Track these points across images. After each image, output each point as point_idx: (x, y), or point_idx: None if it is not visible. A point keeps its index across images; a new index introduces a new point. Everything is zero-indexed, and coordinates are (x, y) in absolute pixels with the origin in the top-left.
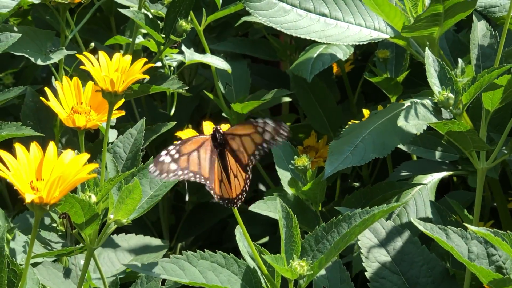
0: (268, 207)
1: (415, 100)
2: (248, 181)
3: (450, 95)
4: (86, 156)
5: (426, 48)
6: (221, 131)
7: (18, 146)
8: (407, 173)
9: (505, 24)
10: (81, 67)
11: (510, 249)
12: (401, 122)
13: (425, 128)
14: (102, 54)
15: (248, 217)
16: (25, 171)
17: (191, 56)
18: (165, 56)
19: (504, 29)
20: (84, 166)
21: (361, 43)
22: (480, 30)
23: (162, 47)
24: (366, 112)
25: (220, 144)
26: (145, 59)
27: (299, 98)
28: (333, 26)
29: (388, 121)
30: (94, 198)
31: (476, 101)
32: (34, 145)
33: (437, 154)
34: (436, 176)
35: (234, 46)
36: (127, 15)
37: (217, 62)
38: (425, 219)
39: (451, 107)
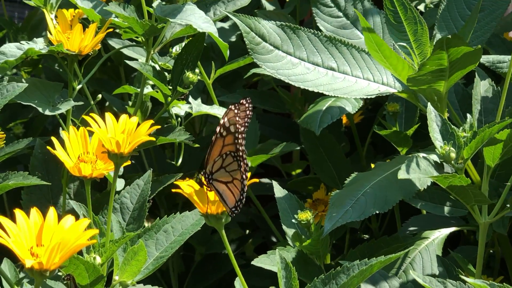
0: (271, 262)
1: (421, 155)
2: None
3: (452, 149)
4: (86, 221)
5: (429, 104)
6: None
7: (18, 212)
8: (415, 228)
9: (506, 79)
10: (88, 128)
11: None
12: (402, 175)
13: (429, 183)
14: (108, 115)
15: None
16: (25, 237)
17: (198, 107)
18: (173, 106)
19: (505, 84)
20: (84, 231)
21: (369, 97)
22: (482, 86)
23: (169, 98)
24: (374, 166)
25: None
26: (152, 121)
27: (307, 151)
28: (341, 80)
29: (392, 175)
30: (99, 260)
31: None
32: (34, 211)
33: (446, 209)
34: (444, 232)
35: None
36: None
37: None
38: (432, 275)
39: (452, 161)
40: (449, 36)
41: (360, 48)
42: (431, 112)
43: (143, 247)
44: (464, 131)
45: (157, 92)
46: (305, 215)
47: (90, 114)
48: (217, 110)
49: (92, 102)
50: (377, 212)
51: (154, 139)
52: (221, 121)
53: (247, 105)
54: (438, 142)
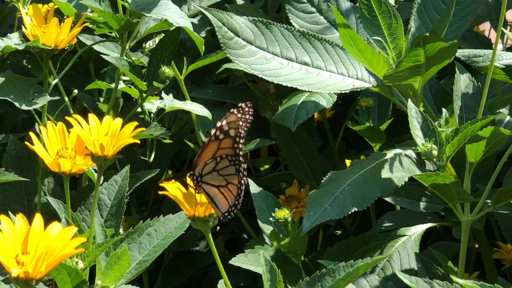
0: (249, 260)
1: (399, 151)
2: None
3: (434, 146)
4: (73, 229)
5: (409, 100)
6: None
7: (3, 218)
8: (390, 224)
9: (487, 74)
10: (71, 129)
11: None
12: (386, 173)
13: (406, 180)
14: (92, 117)
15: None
16: (11, 244)
17: (171, 103)
18: (145, 102)
19: (487, 80)
20: (71, 240)
21: (343, 92)
22: (463, 81)
23: (144, 94)
24: (348, 163)
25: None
26: (136, 123)
27: (280, 147)
28: (315, 74)
29: (369, 172)
30: (81, 264)
31: (460, 152)
32: (20, 217)
33: (422, 204)
34: (421, 228)
35: (214, 93)
36: (106, 62)
37: (198, 109)
38: (410, 272)
39: (434, 159)
40: (427, 34)
41: (334, 43)
42: (412, 109)
43: (126, 252)
44: (439, 125)
45: (130, 87)
46: (282, 213)
47: (73, 115)
48: (190, 106)
49: (66, 98)
50: (356, 210)
51: (139, 141)
52: (219, 124)
53: (247, 109)
54: (419, 140)
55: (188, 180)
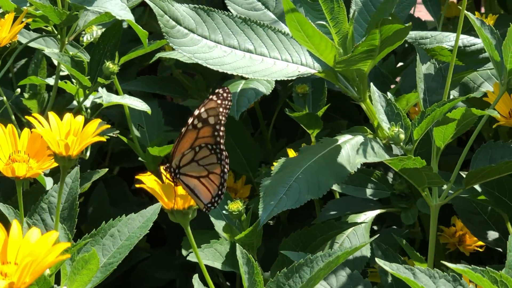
0: (206, 255)
1: (349, 137)
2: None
3: (401, 130)
4: (55, 234)
5: (372, 84)
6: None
7: None
8: (335, 212)
9: (452, 56)
10: (33, 130)
11: (491, 285)
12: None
13: (359, 166)
14: (52, 115)
15: (157, 260)
16: None
17: (108, 97)
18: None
19: (451, 62)
20: (54, 246)
21: (289, 78)
22: (425, 65)
23: (87, 90)
24: (290, 151)
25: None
26: (99, 120)
27: None
28: (260, 62)
29: (322, 159)
30: (47, 271)
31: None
32: None
33: (368, 191)
34: (370, 214)
35: (143, 85)
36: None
37: (136, 103)
38: (363, 259)
39: (401, 143)
40: (388, 18)
41: (276, 29)
42: (375, 92)
43: (95, 255)
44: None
45: (66, 83)
46: (236, 206)
47: (33, 114)
48: (128, 100)
49: (4, 98)
50: (312, 198)
51: (104, 139)
52: (196, 112)
53: (225, 94)
54: (384, 124)
55: (164, 173)
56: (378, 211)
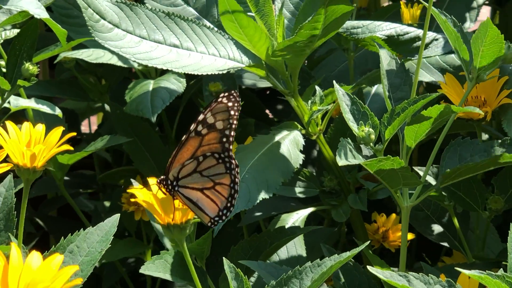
0: (157, 268)
1: (285, 133)
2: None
3: (371, 130)
4: (59, 257)
5: (334, 82)
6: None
7: None
8: (260, 213)
9: (420, 49)
10: None
11: None
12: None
13: (300, 162)
14: (10, 124)
15: None
16: None
17: (16, 102)
18: None
19: (419, 56)
20: (60, 270)
21: (220, 72)
22: (384, 59)
23: (6, 94)
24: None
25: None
26: (62, 128)
27: (124, 144)
28: (187, 56)
29: (265, 156)
30: None
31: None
32: None
33: (297, 190)
34: (303, 213)
35: (42, 88)
36: None
37: (46, 108)
38: (298, 259)
39: (371, 144)
40: None
41: (200, 23)
42: (339, 91)
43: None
44: (313, 104)
45: None
46: None
47: None
48: (36, 104)
49: None
50: (264, 197)
51: (72, 148)
52: (201, 117)
53: (236, 97)
54: (352, 123)
55: (156, 188)
56: (310, 210)
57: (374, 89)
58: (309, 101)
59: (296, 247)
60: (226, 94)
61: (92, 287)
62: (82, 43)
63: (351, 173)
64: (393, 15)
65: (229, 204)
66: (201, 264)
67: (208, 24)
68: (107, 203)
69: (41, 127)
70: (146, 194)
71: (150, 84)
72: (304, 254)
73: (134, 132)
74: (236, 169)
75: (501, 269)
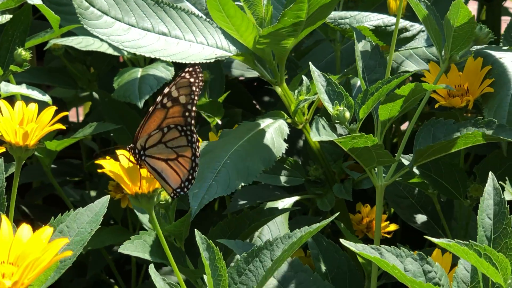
0: (136, 247)
1: (270, 120)
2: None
3: (345, 109)
4: (49, 230)
5: (310, 64)
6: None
7: None
8: (245, 202)
9: (393, 35)
10: None
11: (478, 258)
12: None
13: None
14: (3, 103)
15: None
16: None
17: (6, 88)
18: None
19: (393, 40)
20: (50, 243)
21: (208, 61)
22: (359, 42)
23: None
24: (212, 135)
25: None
26: (55, 107)
27: (112, 131)
28: (175, 44)
29: (248, 143)
30: None
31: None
32: None
33: (282, 179)
34: (288, 201)
35: (31, 76)
36: None
37: (37, 94)
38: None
39: (346, 122)
40: None
41: (189, 11)
42: (314, 72)
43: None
44: (300, 93)
45: None
46: (162, 194)
47: None
48: (26, 90)
49: None
50: (243, 184)
51: (64, 127)
52: (166, 90)
53: (198, 73)
54: (327, 103)
55: (127, 154)
56: (295, 198)
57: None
58: (296, 91)
59: (280, 234)
60: (190, 69)
61: (78, 275)
62: (71, 31)
63: (337, 163)
64: (380, 6)
65: (190, 177)
66: (180, 245)
67: (197, 12)
68: (93, 193)
69: (34, 106)
70: (113, 164)
71: (138, 72)
72: None
73: (122, 120)
74: (197, 143)
75: None
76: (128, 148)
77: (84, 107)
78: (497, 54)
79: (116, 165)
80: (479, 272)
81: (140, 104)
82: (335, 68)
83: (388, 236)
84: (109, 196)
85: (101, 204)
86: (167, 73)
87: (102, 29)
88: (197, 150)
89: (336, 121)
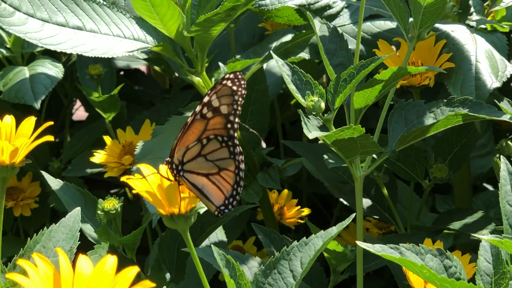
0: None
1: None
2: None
3: (320, 99)
4: (112, 258)
5: (271, 52)
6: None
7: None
8: None
9: (359, 18)
10: None
11: None
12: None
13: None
14: None
15: None
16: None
17: None
18: None
19: (360, 21)
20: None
21: (130, 54)
22: (317, 25)
23: None
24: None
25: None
26: (34, 117)
27: None
28: (93, 38)
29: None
30: None
31: None
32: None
33: None
34: None
35: None
36: None
37: None
38: (220, 243)
39: (321, 114)
40: None
41: (101, 2)
42: (278, 61)
43: None
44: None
45: None
46: (111, 203)
47: None
48: None
49: None
50: None
51: (52, 138)
52: (206, 99)
53: (240, 80)
54: (297, 94)
55: (164, 170)
56: None
57: (265, 66)
58: (213, 79)
59: (216, 234)
60: (232, 76)
61: None
62: None
63: (256, 151)
64: None
65: (234, 193)
66: (131, 256)
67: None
68: None
69: (9, 118)
70: (142, 182)
71: (25, 71)
72: (225, 239)
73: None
74: (241, 156)
75: None
76: (165, 162)
77: None
78: (447, 27)
79: (145, 183)
80: (503, 264)
81: (37, 105)
82: (229, 51)
83: (302, 221)
84: (79, 208)
85: (73, 218)
86: (56, 70)
87: (17, 27)
88: (241, 163)
89: (313, 113)
